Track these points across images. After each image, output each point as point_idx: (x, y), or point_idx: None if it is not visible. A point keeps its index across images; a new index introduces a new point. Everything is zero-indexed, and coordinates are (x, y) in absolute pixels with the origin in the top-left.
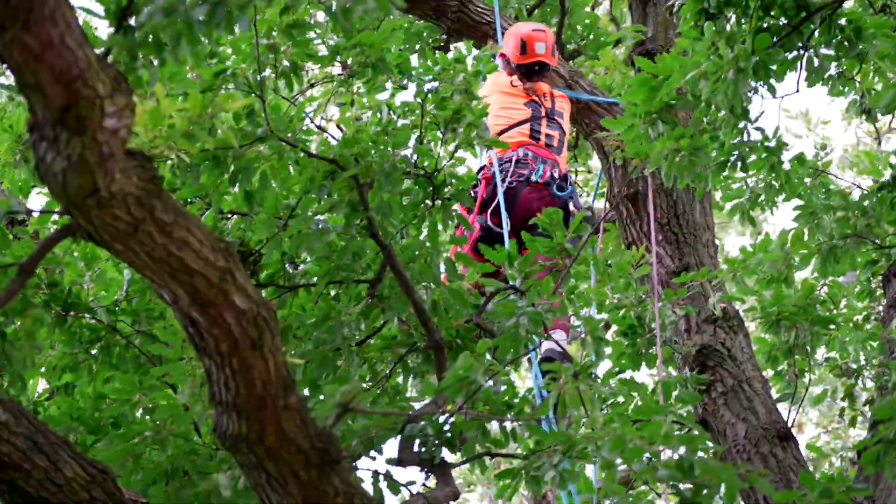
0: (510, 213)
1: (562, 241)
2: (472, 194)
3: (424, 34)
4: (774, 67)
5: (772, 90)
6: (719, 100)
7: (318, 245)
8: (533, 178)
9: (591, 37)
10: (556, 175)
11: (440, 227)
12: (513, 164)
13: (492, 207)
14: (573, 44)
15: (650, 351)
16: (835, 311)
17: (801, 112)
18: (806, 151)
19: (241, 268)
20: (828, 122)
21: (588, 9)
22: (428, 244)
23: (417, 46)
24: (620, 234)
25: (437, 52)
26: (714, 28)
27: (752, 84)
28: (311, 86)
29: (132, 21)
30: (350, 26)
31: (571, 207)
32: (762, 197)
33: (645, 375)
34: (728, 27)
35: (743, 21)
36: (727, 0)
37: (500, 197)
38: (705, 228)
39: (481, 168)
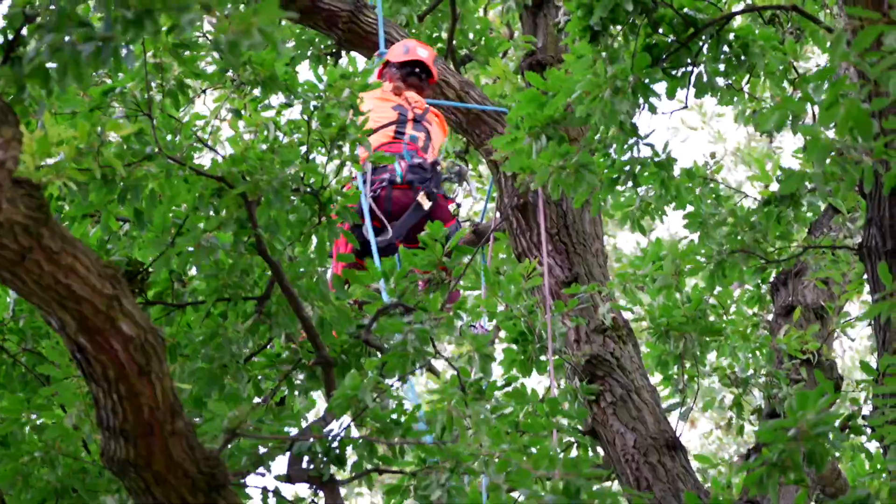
0: (389, 217)
1: (440, 256)
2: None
3: (316, 40)
4: (664, 84)
5: (652, 109)
6: (597, 118)
7: (206, 263)
8: (396, 179)
9: (483, 42)
10: (416, 165)
11: (327, 243)
12: (369, 171)
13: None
14: (465, 49)
15: (541, 358)
16: (725, 318)
17: (696, 104)
18: (701, 144)
19: (128, 294)
20: (722, 114)
21: (481, 12)
22: (315, 261)
23: (309, 53)
24: (511, 244)
25: (329, 57)
26: (597, 47)
27: (632, 102)
28: (203, 92)
29: (20, 52)
30: (237, 62)
31: (419, 198)
32: (652, 205)
33: (535, 381)
34: (616, 44)
35: (631, 37)
36: (613, 18)
37: (365, 206)
38: (595, 238)
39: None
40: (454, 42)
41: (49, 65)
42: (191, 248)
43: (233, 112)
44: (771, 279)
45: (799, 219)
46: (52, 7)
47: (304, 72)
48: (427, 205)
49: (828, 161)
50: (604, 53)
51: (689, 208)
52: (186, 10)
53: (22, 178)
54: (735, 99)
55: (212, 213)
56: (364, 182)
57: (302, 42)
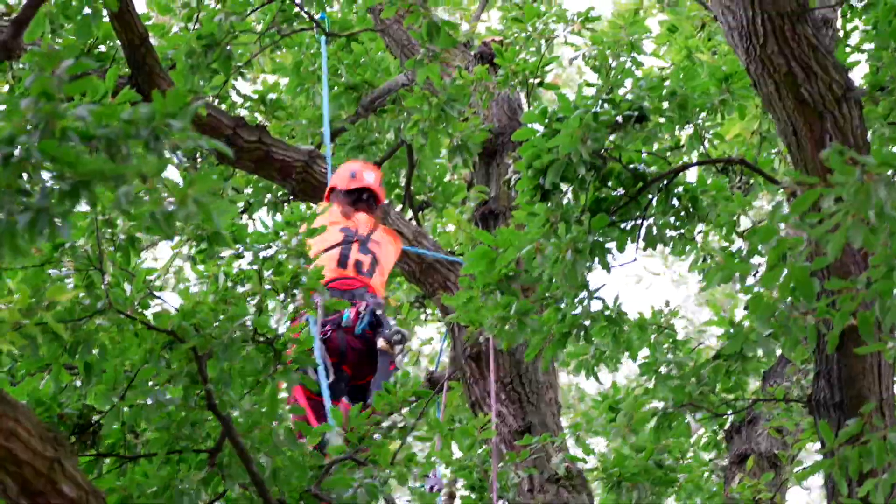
0: (343, 359)
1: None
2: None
3: (273, 187)
4: (611, 243)
5: (605, 266)
6: (557, 278)
7: (156, 416)
8: (343, 322)
9: (440, 189)
10: (362, 310)
11: (283, 390)
12: (319, 310)
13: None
14: (423, 195)
15: None
16: (680, 463)
17: (659, 249)
18: (664, 288)
19: (70, 456)
20: (684, 258)
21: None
22: (268, 411)
23: (266, 199)
24: (464, 393)
25: (285, 204)
26: (549, 206)
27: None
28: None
29: None
30: (172, 232)
31: (380, 343)
32: (605, 354)
33: None
34: (566, 199)
35: (580, 192)
36: (563, 175)
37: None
38: (548, 387)
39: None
40: (412, 188)
41: None
42: (140, 403)
43: (189, 259)
44: (725, 426)
45: (749, 370)
46: None
47: (263, 217)
48: (397, 350)
49: (771, 320)
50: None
51: (645, 354)
52: (122, 181)
53: None
54: (688, 248)
55: (164, 365)
56: (314, 323)
57: (259, 189)
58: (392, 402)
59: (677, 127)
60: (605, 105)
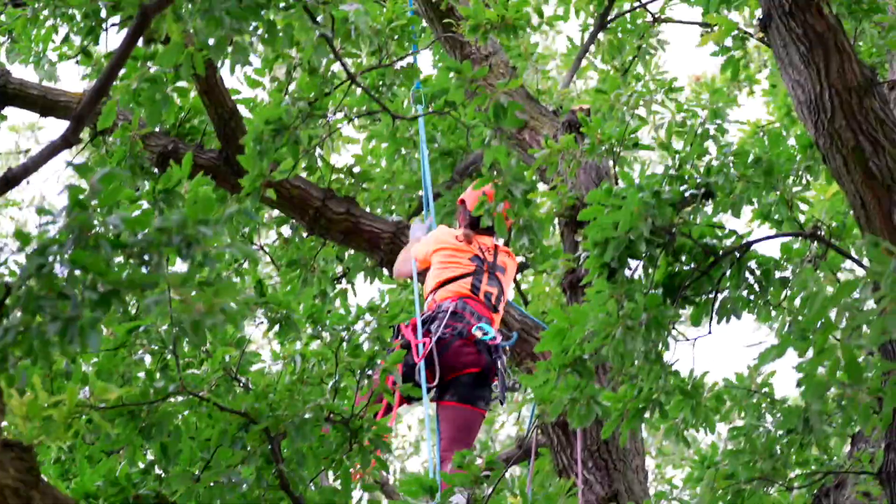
0: (439, 362)
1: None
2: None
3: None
4: (677, 317)
5: (665, 345)
6: (611, 356)
7: (230, 497)
8: (466, 333)
9: (539, 251)
10: (488, 333)
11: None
12: (447, 314)
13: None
14: (521, 256)
15: None
16: None
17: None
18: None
19: None
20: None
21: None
22: (340, 492)
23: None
24: (552, 461)
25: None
26: (614, 284)
27: (646, 338)
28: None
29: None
30: (202, 341)
31: (499, 365)
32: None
33: None
34: (635, 277)
35: (649, 268)
36: (630, 254)
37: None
38: (635, 454)
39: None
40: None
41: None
42: (215, 483)
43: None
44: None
45: (820, 443)
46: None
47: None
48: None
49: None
50: (620, 291)
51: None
52: (151, 290)
53: (13, 441)
54: (773, 313)
55: (238, 446)
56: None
57: (355, 256)
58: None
59: (764, 192)
60: (672, 182)
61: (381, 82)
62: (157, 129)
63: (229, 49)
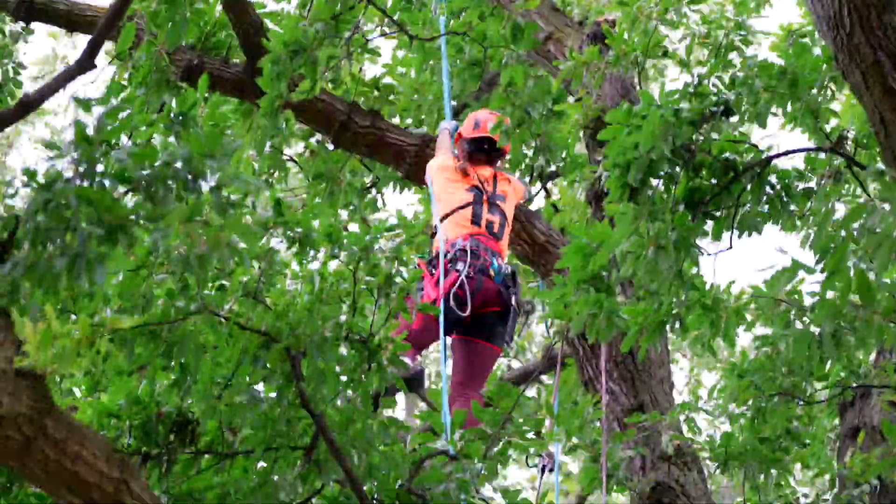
0: (472, 300)
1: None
2: (428, 277)
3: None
4: (700, 237)
5: (693, 262)
6: (641, 275)
7: (252, 416)
8: (490, 271)
9: (569, 159)
10: (502, 269)
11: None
12: (469, 254)
13: (452, 292)
14: (553, 165)
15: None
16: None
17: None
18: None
19: (137, 476)
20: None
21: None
22: (362, 410)
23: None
24: (577, 372)
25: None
26: (637, 204)
27: (674, 257)
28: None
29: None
30: (206, 275)
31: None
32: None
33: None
34: (655, 195)
35: (670, 186)
36: (651, 172)
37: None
38: (660, 365)
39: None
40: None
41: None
42: (236, 402)
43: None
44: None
45: (840, 360)
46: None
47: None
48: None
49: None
50: (644, 211)
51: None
52: (157, 223)
53: (26, 369)
54: (798, 223)
55: (259, 365)
56: (434, 265)
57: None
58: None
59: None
60: (692, 100)
61: None
62: (182, 44)
63: None
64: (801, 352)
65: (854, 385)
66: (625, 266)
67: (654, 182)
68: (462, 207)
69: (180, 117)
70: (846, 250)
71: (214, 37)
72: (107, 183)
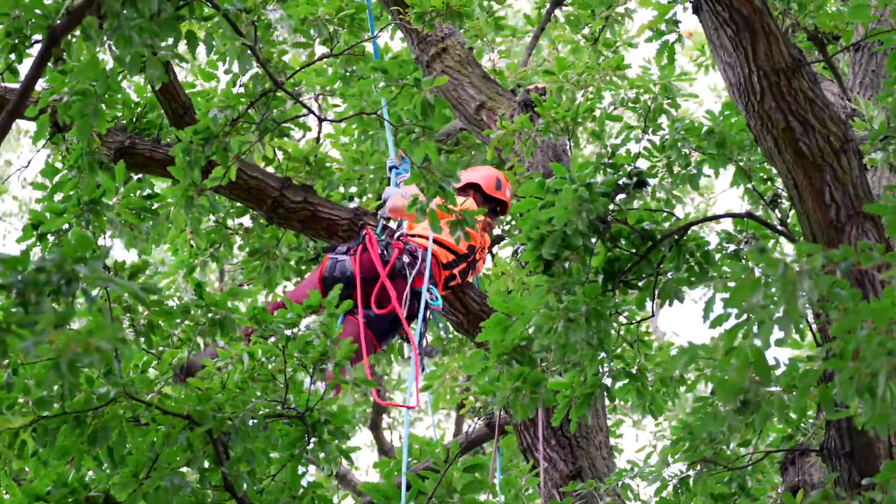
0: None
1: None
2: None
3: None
4: (616, 306)
5: (605, 335)
6: (554, 349)
7: (175, 499)
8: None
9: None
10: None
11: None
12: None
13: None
14: (497, 228)
15: None
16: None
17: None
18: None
19: None
20: None
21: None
22: (288, 488)
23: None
24: (517, 439)
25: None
26: (551, 275)
27: (587, 329)
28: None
29: None
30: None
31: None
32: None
33: None
34: (571, 266)
35: (586, 257)
36: (566, 244)
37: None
38: (598, 430)
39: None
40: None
41: None
42: (160, 487)
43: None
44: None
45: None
46: None
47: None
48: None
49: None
50: (558, 284)
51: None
52: (31, 330)
53: None
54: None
55: (184, 445)
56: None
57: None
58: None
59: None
60: (605, 172)
61: (344, 70)
62: (114, 125)
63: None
64: (706, 425)
65: (768, 451)
66: (539, 339)
67: (568, 254)
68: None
69: (91, 205)
70: (739, 329)
71: (145, 118)
72: None
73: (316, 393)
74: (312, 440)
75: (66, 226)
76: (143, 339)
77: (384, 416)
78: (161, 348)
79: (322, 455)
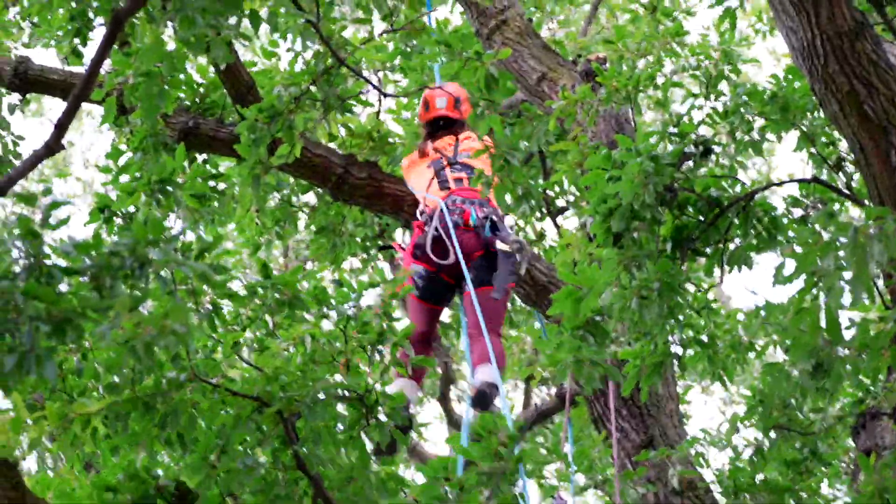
0: (449, 252)
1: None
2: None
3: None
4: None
5: (681, 308)
6: (629, 325)
7: (248, 481)
8: (470, 222)
9: (577, 193)
10: (479, 216)
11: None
12: (439, 212)
13: (428, 248)
14: (562, 199)
15: None
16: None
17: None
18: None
19: None
20: None
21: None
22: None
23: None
24: (587, 410)
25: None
26: (619, 248)
27: (660, 303)
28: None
29: None
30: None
31: (499, 245)
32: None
33: None
34: (640, 237)
35: (655, 226)
36: (635, 216)
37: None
38: (668, 399)
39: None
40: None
41: None
42: (232, 469)
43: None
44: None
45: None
46: None
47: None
48: (518, 253)
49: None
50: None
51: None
52: (105, 314)
53: None
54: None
55: (254, 428)
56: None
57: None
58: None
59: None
60: (671, 140)
61: (404, 45)
62: (177, 106)
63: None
64: (778, 389)
65: (842, 416)
66: (613, 316)
67: (637, 224)
68: (430, 184)
69: (160, 184)
70: (808, 291)
71: (209, 98)
72: (54, 276)
73: (374, 373)
74: (370, 420)
75: (132, 207)
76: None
77: (451, 387)
78: (229, 327)
79: (379, 435)
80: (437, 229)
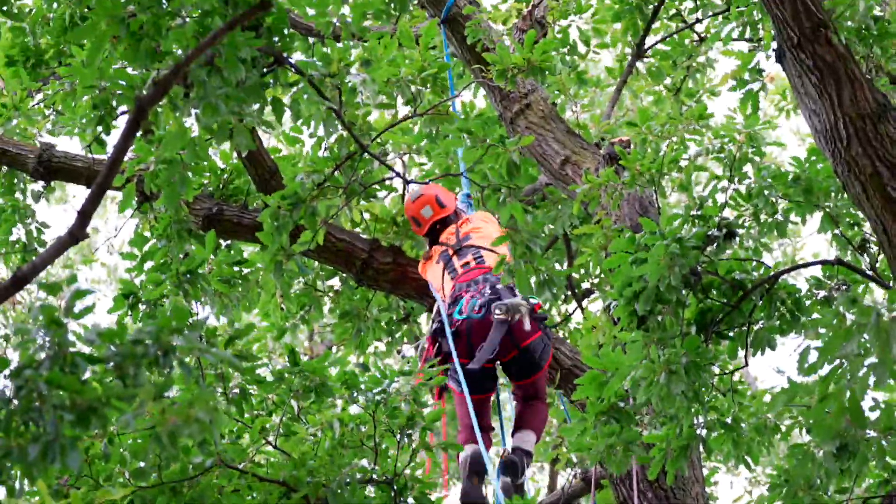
0: (474, 346)
1: None
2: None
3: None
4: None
5: (706, 385)
6: (654, 401)
7: None
8: (477, 311)
9: (603, 275)
10: (486, 293)
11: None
12: (449, 308)
13: (452, 350)
14: (587, 282)
15: None
16: None
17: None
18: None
19: None
20: None
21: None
22: None
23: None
24: (613, 493)
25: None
26: (645, 331)
27: (687, 381)
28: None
29: None
30: (177, 454)
31: (491, 317)
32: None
33: None
34: (664, 320)
35: (679, 309)
36: (660, 299)
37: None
38: (694, 482)
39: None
40: (571, 278)
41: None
42: None
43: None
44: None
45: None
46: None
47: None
48: (502, 318)
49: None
50: (653, 338)
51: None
52: (130, 402)
53: None
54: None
55: None
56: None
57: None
58: None
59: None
60: (694, 223)
61: (428, 129)
62: (201, 192)
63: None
64: (803, 470)
65: (865, 497)
66: (639, 393)
67: (661, 308)
68: (443, 279)
69: (188, 275)
70: (832, 380)
71: (232, 184)
72: (78, 365)
73: (404, 456)
74: None
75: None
76: (233, 408)
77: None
78: (255, 412)
79: None
80: (434, 332)
